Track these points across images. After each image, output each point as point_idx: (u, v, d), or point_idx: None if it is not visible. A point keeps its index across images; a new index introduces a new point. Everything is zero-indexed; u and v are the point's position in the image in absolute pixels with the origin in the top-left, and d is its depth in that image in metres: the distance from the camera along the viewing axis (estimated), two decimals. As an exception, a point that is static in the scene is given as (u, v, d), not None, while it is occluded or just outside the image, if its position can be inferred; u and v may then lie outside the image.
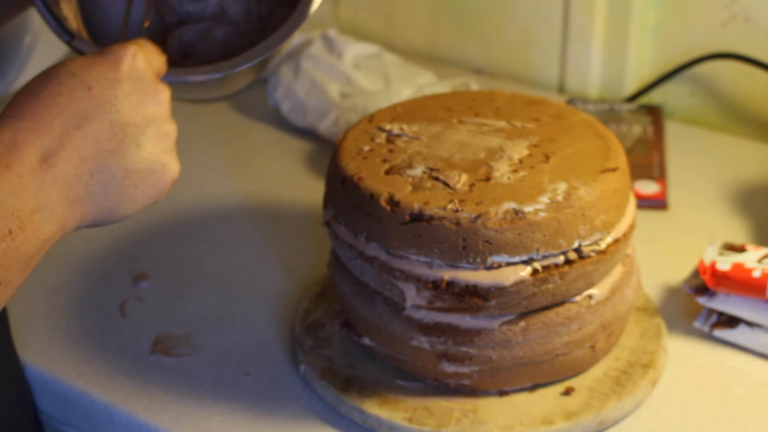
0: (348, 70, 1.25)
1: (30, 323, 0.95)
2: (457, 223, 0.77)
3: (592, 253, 0.80)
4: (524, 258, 0.78)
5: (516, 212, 0.77)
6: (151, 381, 0.88)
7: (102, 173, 0.67)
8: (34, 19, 1.22)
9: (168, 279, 1.00)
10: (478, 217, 0.77)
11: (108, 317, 0.95)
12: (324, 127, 1.19)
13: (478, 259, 0.78)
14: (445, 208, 0.78)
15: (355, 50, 1.29)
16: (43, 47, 1.25)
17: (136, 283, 0.99)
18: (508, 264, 0.78)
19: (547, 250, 0.78)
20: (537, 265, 0.78)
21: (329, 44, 1.28)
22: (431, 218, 0.78)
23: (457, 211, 0.78)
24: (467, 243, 0.77)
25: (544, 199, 0.79)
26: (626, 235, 0.83)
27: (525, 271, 0.78)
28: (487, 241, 0.77)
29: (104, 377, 0.89)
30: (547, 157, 0.83)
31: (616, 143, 0.85)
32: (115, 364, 0.90)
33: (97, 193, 0.67)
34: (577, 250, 0.79)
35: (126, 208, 0.69)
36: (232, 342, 0.92)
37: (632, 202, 0.85)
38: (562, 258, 0.79)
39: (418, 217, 0.78)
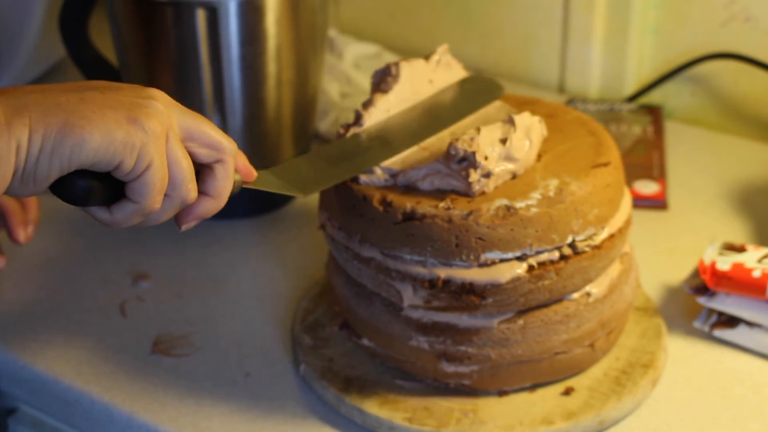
0: (348, 70, 1.25)
1: (30, 323, 0.95)
2: (449, 221, 0.77)
3: (587, 248, 0.80)
4: (517, 254, 0.78)
5: (508, 208, 0.78)
6: (151, 381, 0.88)
7: (55, 93, 0.67)
8: (36, 14, 1.22)
9: (168, 279, 1.00)
10: (470, 213, 0.77)
11: (108, 317, 0.95)
12: (324, 127, 1.19)
13: (471, 256, 0.78)
14: (437, 206, 0.78)
15: (355, 50, 1.29)
16: (44, 44, 1.25)
17: (136, 283, 0.99)
18: (502, 260, 0.78)
19: (540, 246, 0.78)
20: (532, 261, 0.79)
21: (329, 44, 1.28)
22: (423, 217, 0.78)
23: (448, 208, 0.78)
24: (460, 240, 0.77)
25: (536, 195, 0.79)
26: (622, 231, 0.83)
27: (521, 268, 0.78)
28: (479, 238, 0.77)
29: (104, 377, 0.89)
30: (539, 156, 0.83)
31: (608, 139, 0.86)
32: (115, 364, 0.90)
33: (42, 103, 0.66)
34: (572, 246, 0.79)
35: (82, 126, 0.66)
36: (232, 342, 0.92)
37: (627, 197, 0.85)
38: (557, 253, 0.79)
39: (410, 217, 0.78)
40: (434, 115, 0.87)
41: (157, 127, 0.68)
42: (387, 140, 0.84)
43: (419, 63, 0.88)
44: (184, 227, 0.74)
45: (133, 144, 0.67)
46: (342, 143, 0.84)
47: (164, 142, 0.69)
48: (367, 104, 0.86)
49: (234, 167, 0.74)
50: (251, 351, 0.91)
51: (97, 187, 0.68)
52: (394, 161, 0.82)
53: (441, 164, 0.79)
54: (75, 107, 0.66)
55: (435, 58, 0.89)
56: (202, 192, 0.73)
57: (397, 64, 0.87)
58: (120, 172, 0.68)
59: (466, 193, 0.79)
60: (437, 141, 0.84)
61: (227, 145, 0.72)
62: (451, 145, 0.78)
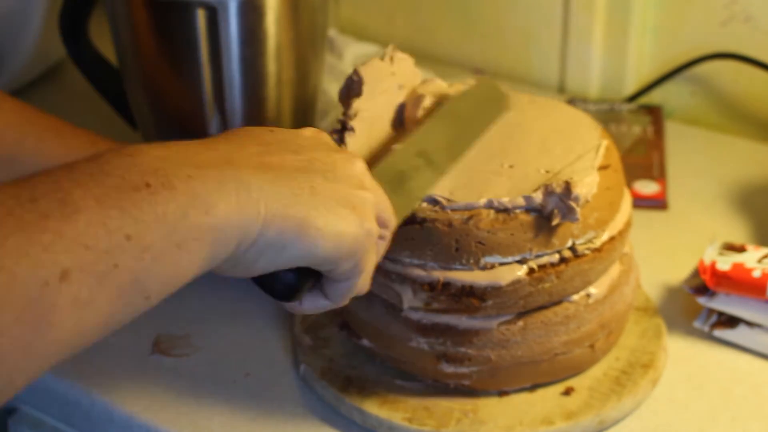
0: (348, 70, 1.25)
1: (30, 323, 0.94)
2: (449, 225, 0.77)
3: (588, 252, 0.80)
4: (517, 258, 0.78)
5: (508, 212, 0.78)
6: (151, 381, 0.88)
7: (284, 179, 0.61)
8: (36, 14, 1.22)
9: (168, 279, 0.99)
10: (470, 218, 0.77)
11: (108, 317, 0.95)
12: (324, 127, 1.19)
13: (471, 260, 0.78)
14: (436, 211, 0.78)
15: (355, 50, 1.29)
16: (44, 44, 1.25)
17: (136, 283, 0.99)
18: (502, 264, 0.78)
19: (540, 250, 0.78)
20: (533, 264, 0.79)
21: (329, 44, 1.28)
22: (423, 221, 0.78)
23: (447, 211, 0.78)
24: (460, 244, 0.77)
25: (536, 199, 0.79)
26: (622, 233, 0.83)
27: (521, 271, 0.78)
28: (479, 242, 0.77)
29: (104, 377, 0.89)
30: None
31: (608, 141, 0.85)
32: (115, 364, 0.90)
33: (279, 192, 0.60)
34: (572, 249, 0.79)
35: (318, 226, 0.61)
36: (232, 342, 0.92)
37: (627, 199, 0.85)
38: (557, 257, 0.79)
39: (410, 220, 0.78)
40: (460, 127, 0.81)
41: (374, 228, 0.65)
42: (429, 157, 0.77)
43: (376, 62, 0.88)
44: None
45: (356, 250, 0.63)
46: (391, 161, 0.75)
47: (376, 242, 0.66)
48: (347, 112, 0.85)
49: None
50: (251, 351, 0.91)
51: (304, 285, 0.65)
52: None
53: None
54: (310, 201, 0.61)
55: (387, 57, 0.88)
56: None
57: (356, 70, 0.86)
58: (331, 272, 0.64)
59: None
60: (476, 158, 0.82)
61: (394, 218, 0.69)
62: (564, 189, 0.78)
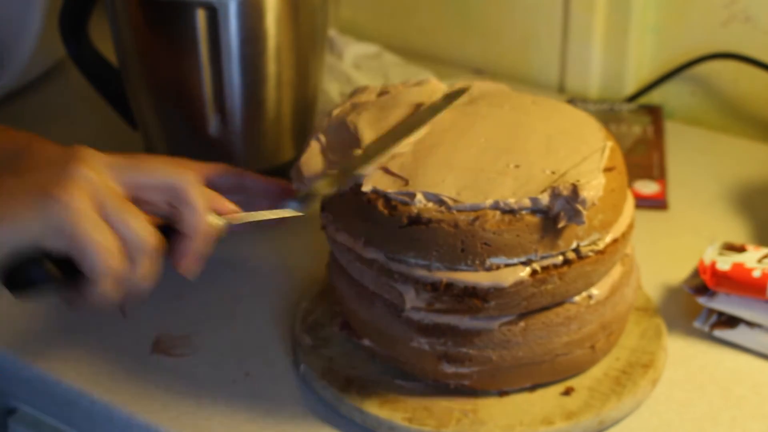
0: (348, 70, 1.25)
1: (30, 323, 0.94)
2: (455, 226, 0.77)
3: (591, 253, 0.80)
4: (523, 259, 0.78)
5: (514, 213, 0.77)
6: (151, 381, 0.88)
7: None
8: (36, 14, 1.22)
9: (168, 279, 0.99)
10: (476, 219, 0.77)
11: (108, 317, 0.95)
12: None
13: (477, 261, 0.78)
14: (442, 211, 0.78)
15: (355, 50, 1.29)
16: (44, 44, 1.25)
17: (136, 283, 0.99)
18: (507, 265, 0.78)
19: (546, 252, 0.78)
20: (536, 265, 0.78)
21: (329, 44, 1.28)
22: (429, 221, 0.78)
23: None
24: (466, 245, 0.77)
25: (542, 200, 0.79)
26: (625, 235, 0.83)
27: (524, 272, 0.78)
28: (485, 243, 0.77)
29: (104, 377, 0.89)
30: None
31: (612, 142, 0.85)
32: (115, 364, 0.90)
33: None
34: (576, 251, 0.79)
35: None
36: (232, 342, 0.92)
37: (630, 201, 0.85)
38: (560, 258, 0.79)
39: (416, 221, 0.78)
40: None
41: (79, 198, 0.67)
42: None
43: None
44: (182, 270, 0.74)
45: (49, 223, 0.66)
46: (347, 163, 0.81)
47: (94, 210, 0.67)
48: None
49: (199, 200, 0.72)
50: (251, 351, 0.91)
51: (52, 271, 0.67)
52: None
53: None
54: None
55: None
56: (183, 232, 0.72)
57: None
58: (62, 252, 0.67)
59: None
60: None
61: (177, 179, 0.70)
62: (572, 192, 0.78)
